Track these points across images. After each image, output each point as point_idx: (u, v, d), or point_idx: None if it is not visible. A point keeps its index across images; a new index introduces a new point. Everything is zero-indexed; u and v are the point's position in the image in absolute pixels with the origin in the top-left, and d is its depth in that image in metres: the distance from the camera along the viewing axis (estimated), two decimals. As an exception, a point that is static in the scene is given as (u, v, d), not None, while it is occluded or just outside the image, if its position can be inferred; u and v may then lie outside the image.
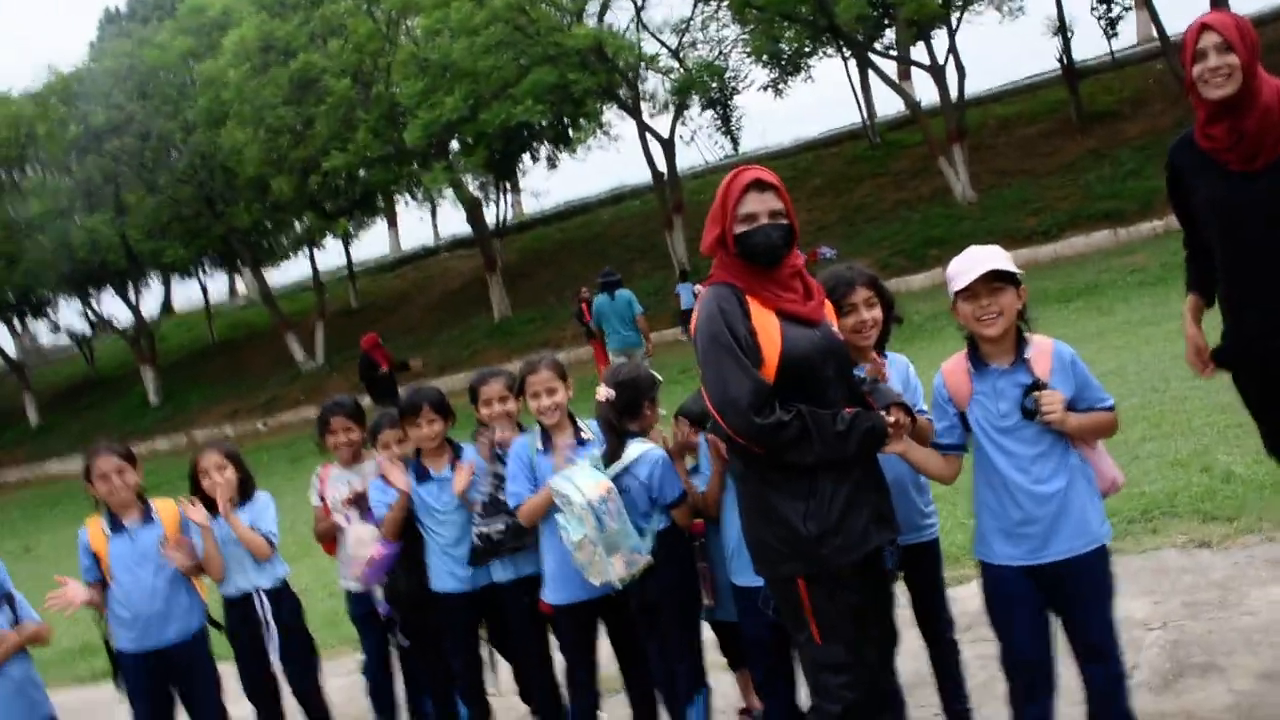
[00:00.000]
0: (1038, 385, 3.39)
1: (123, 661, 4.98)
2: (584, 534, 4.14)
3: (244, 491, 5.15)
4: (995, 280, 3.39)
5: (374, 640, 5.32)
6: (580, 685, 4.58)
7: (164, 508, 5.08)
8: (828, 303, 3.57)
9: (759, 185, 3.38)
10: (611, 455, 4.27)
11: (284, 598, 5.20)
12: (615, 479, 4.19)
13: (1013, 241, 20.04)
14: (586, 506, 4.10)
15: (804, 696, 4.18)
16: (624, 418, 4.29)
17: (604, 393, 4.28)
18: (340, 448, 5.31)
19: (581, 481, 4.17)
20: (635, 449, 4.23)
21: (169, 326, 36.65)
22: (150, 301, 34.31)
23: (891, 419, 3.35)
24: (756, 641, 4.16)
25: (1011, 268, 3.40)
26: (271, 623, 5.08)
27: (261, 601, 5.09)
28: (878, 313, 3.86)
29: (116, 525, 4.95)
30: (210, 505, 5.03)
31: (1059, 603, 3.47)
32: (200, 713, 5.02)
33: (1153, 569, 4.67)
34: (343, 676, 5.46)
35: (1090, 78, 26.06)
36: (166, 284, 37.48)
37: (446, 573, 4.87)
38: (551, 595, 4.51)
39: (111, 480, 4.90)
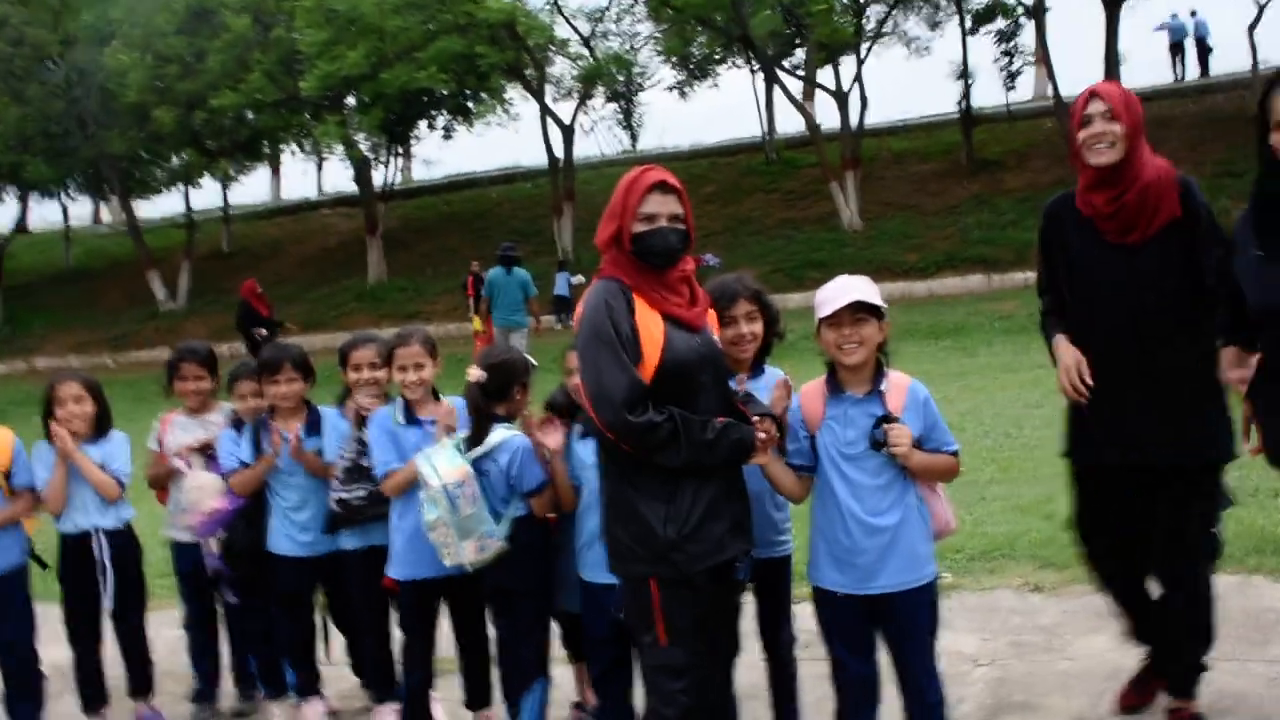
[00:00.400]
0: (888, 418, 3.48)
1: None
2: (438, 515, 4.13)
3: (99, 427, 4.96)
4: (859, 311, 3.49)
5: (198, 596, 5.20)
6: (416, 661, 4.55)
7: (-2, 435, 4.87)
8: (711, 311, 3.61)
9: (662, 187, 3.40)
10: (475, 439, 4.25)
11: (125, 542, 5.03)
12: (476, 463, 4.18)
13: (891, 274, 20.59)
14: (441, 490, 4.10)
15: (639, 697, 4.24)
16: (492, 401, 4.27)
17: (475, 374, 4.25)
18: (189, 394, 5.18)
19: (440, 463, 4.16)
20: (498, 435, 4.22)
21: (20, 245, 34.89)
22: (2, 216, 32.71)
23: (760, 433, 3.41)
24: (598, 638, 4.18)
25: (876, 300, 3.50)
26: (109, 566, 4.92)
27: (100, 543, 4.91)
28: (758, 327, 3.92)
29: (-62, 445, 4.72)
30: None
31: (884, 631, 3.61)
32: (9, 652, 4.82)
33: (986, 607, 4.85)
34: (167, 628, 5.30)
35: (984, 125, 26.91)
36: (24, 201, 35.72)
37: (285, 536, 4.80)
38: (397, 570, 4.47)
39: None
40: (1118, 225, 3.78)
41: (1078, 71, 47.06)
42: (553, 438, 4.15)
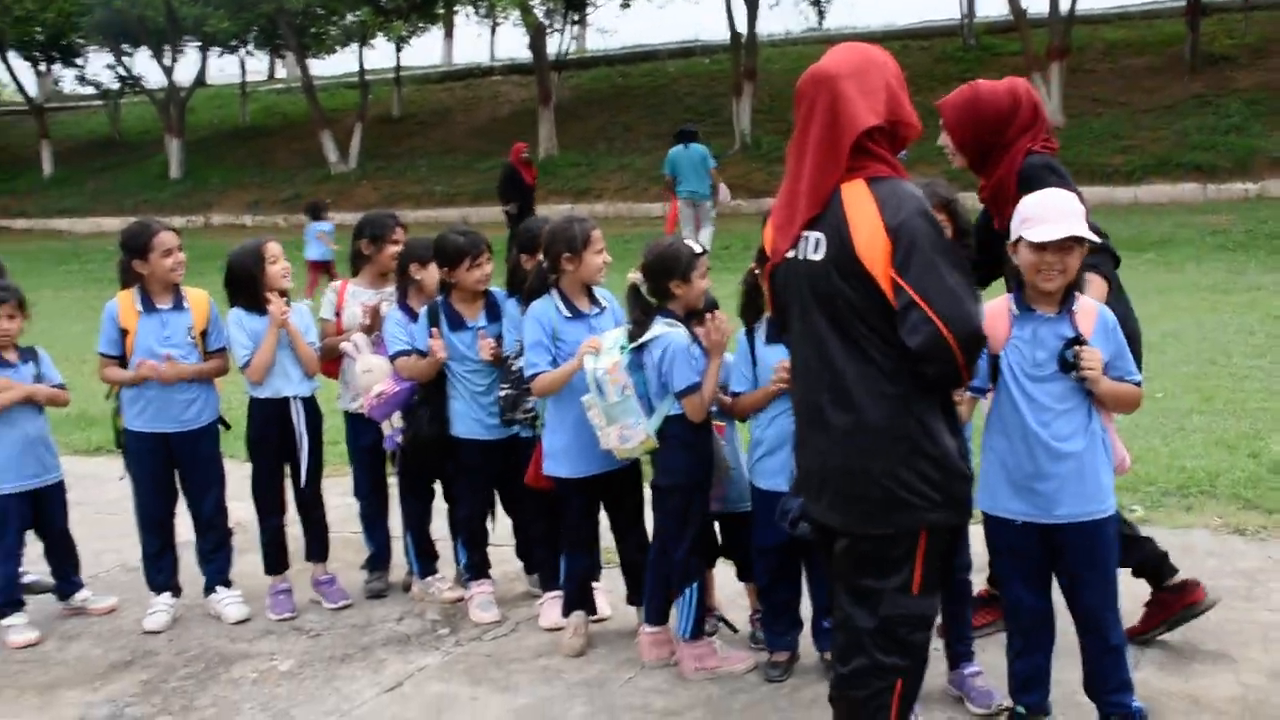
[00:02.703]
0: (1079, 340, 3.43)
1: (130, 440, 5.15)
2: (590, 396, 4.36)
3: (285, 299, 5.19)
4: (1070, 239, 3.39)
5: (371, 469, 5.46)
6: (580, 551, 4.75)
7: (195, 296, 5.17)
8: None
9: None
10: (634, 332, 4.36)
11: (313, 409, 5.31)
12: (635, 355, 4.32)
13: (1093, 177, 19.67)
14: (592, 374, 4.31)
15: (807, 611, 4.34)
16: (653, 296, 4.36)
17: (632, 275, 4.41)
18: (386, 260, 5.32)
19: (602, 350, 4.35)
20: (656, 329, 4.30)
21: (200, 99, 36.22)
22: (184, 69, 33.93)
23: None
24: (767, 546, 4.28)
25: (1090, 234, 3.41)
26: (305, 433, 5.21)
27: (299, 410, 5.20)
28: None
29: (149, 304, 5.04)
30: (256, 297, 5.09)
31: (1060, 565, 3.57)
32: (200, 502, 5.21)
33: (1180, 546, 4.72)
34: (337, 496, 5.61)
35: (1215, 15, 25.17)
36: (203, 54, 37.01)
37: (474, 420, 4.97)
38: (558, 467, 4.63)
39: (175, 255, 5.01)
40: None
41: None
42: (713, 334, 4.22)
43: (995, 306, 3.55)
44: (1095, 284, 3.80)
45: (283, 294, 5.15)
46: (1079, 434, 3.45)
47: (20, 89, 36.10)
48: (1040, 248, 3.40)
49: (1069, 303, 3.49)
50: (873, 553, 3.07)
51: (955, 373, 2.97)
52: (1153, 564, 4.33)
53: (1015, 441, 3.50)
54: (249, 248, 5.16)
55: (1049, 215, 3.41)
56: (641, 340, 4.32)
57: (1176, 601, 4.33)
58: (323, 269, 16.36)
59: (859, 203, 2.95)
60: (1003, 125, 4.03)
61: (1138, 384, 3.54)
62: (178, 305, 5.10)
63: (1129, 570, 4.28)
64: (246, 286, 5.10)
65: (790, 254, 3.12)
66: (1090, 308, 3.52)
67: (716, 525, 4.65)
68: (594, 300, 4.70)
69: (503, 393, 4.86)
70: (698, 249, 4.34)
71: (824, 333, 3.04)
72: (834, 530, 3.16)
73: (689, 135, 17.08)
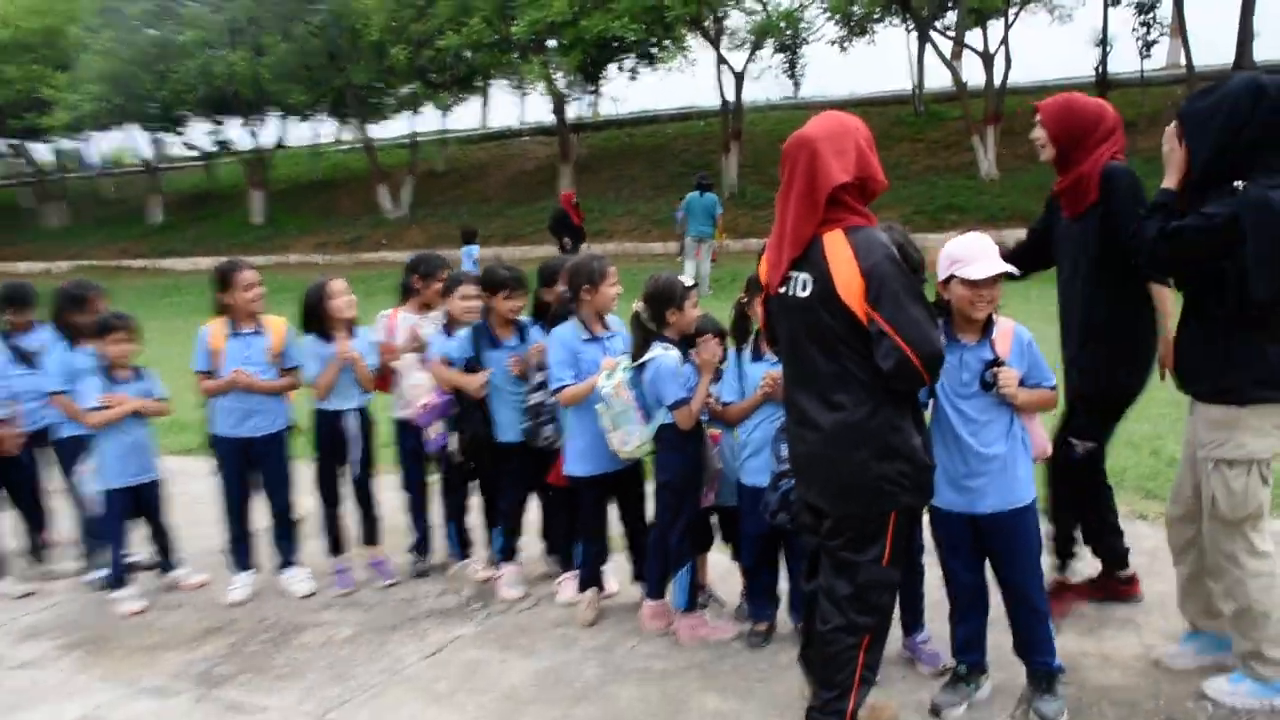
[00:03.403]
0: (998, 362, 3.46)
1: (217, 444, 5.14)
2: (601, 404, 4.38)
3: (350, 325, 5.18)
4: (996, 274, 3.40)
5: (416, 467, 5.42)
6: (593, 538, 4.73)
7: (273, 322, 5.17)
8: None
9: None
10: (635, 354, 4.36)
11: (366, 419, 5.30)
12: (635, 374, 4.32)
13: (1022, 220, 19.54)
14: (601, 390, 4.35)
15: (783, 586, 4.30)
16: (651, 323, 4.34)
17: (637, 305, 4.41)
18: (433, 295, 5.28)
19: (612, 374, 4.37)
20: (652, 352, 4.28)
21: (280, 158, 36.23)
22: (268, 134, 33.95)
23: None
24: (752, 534, 4.26)
25: (1009, 268, 3.43)
26: (358, 436, 5.19)
27: (349, 419, 5.18)
28: None
29: (235, 329, 5.03)
30: (323, 327, 5.08)
31: (990, 548, 3.58)
32: (275, 494, 5.21)
33: (1132, 534, 4.70)
34: (388, 491, 5.58)
35: (1118, 90, 25.13)
36: (284, 121, 37.05)
37: (513, 426, 4.92)
38: (577, 468, 4.60)
39: (255, 289, 5.00)
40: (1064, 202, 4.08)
41: (1212, 41, 43.54)
42: (706, 352, 4.23)
43: None
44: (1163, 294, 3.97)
45: (352, 323, 5.12)
46: (1000, 439, 3.48)
47: (137, 154, 36.16)
48: (974, 284, 3.39)
49: (989, 330, 3.50)
50: (853, 531, 3.13)
51: (919, 386, 3.05)
52: (1115, 555, 4.39)
53: (950, 447, 3.51)
54: (316, 285, 5.15)
55: (977, 256, 3.41)
56: (640, 361, 4.30)
57: (1118, 589, 4.38)
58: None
59: (838, 250, 3.03)
60: (1089, 129, 4.00)
61: (1052, 388, 3.56)
62: (258, 330, 5.09)
63: (1090, 549, 4.36)
64: (316, 317, 5.09)
65: (781, 290, 3.19)
66: (1007, 330, 3.53)
67: (716, 517, 4.62)
68: (606, 325, 4.67)
69: (524, 426, 4.82)
70: (689, 282, 4.32)
71: (812, 353, 3.13)
72: (821, 511, 3.21)
73: (705, 185, 17.50)
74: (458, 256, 19.38)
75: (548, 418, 4.79)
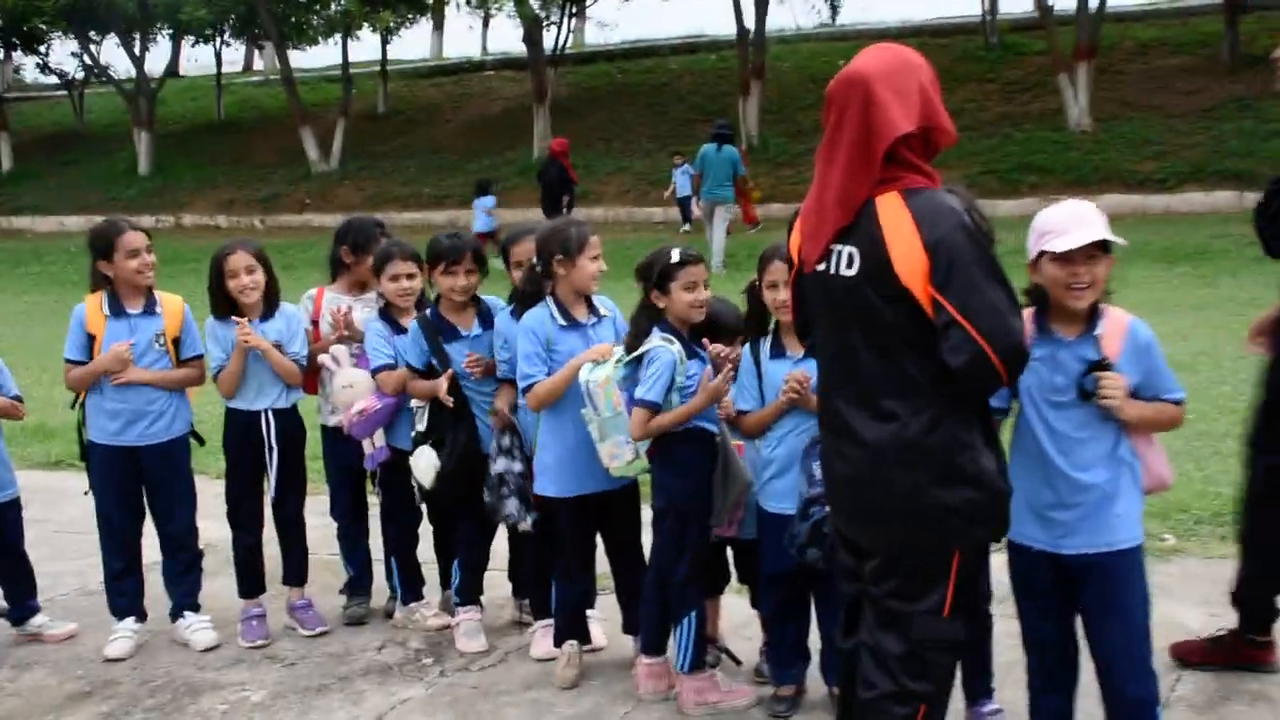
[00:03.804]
0: (1102, 365, 3.39)
1: (94, 454, 5.17)
2: (586, 409, 4.40)
3: (269, 302, 5.21)
4: (1095, 249, 3.35)
5: (350, 486, 5.47)
6: (572, 576, 4.76)
7: (169, 301, 5.20)
8: None
9: None
10: (630, 344, 4.40)
11: (293, 424, 5.33)
12: (629, 370, 4.35)
13: (1123, 185, 19.79)
14: (585, 385, 4.37)
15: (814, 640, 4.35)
16: (648, 308, 4.38)
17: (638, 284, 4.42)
18: (366, 271, 5.32)
19: (599, 366, 4.40)
20: (650, 343, 4.32)
21: (172, 91, 36.30)
22: (155, 59, 34.04)
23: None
24: (774, 573, 4.31)
25: (1114, 237, 3.36)
26: (275, 447, 5.23)
27: (269, 422, 5.22)
28: None
29: (117, 309, 5.06)
30: (231, 307, 5.12)
31: (1081, 601, 3.54)
32: (169, 520, 5.21)
33: (1213, 578, 4.74)
34: (316, 516, 5.61)
35: (1255, 12, 25.25)
36: (176, 43, 37.09)
37: (488, 432, 4.95)
38: (550, 487, 4.64)
39: (144, 257, 5.02)
40: None
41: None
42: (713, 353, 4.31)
43: None
44: None
45: (271, 300, 5.17)
46: (1101, 463, 3.43)
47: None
48: (1067, 260, 3.36)
49: (1094, 323, 3.44)
50: (905, 573, 3.13)
51: (998, 390, 3.08)
52: (1267, 614, 4.38)
53: (1033, 467, 3.49)
54: (216, 256, 5.20)
55: (1070, 226, 3.36)
56: (636, 354, 4.34)
57: (1250, 654, 4.38)
58: (489, 239, 18.34)
59: (894, 217, 3.01)
60: None
61: (1178, 402, 3.49)
62: (149, 310, 5.11)
63: (1234, 596, 4.36)
64: (220, 292, 5.15)
65: (820, 267, 3.18)
66: (1120, 323, 3.46)
67: (730, 552, 4.68)
68: (593, 309, 4.72)
69: (487, 498, 4.85)
70: (675, 257, 4.31)
71: (857, 346, 3.12)
72: (863, 549, 3.23)
73: (724, 136, 17.90)
74: (408, 221, 19.53)
75: (513, 489, 4.81)
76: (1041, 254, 3.42)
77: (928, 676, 3.16)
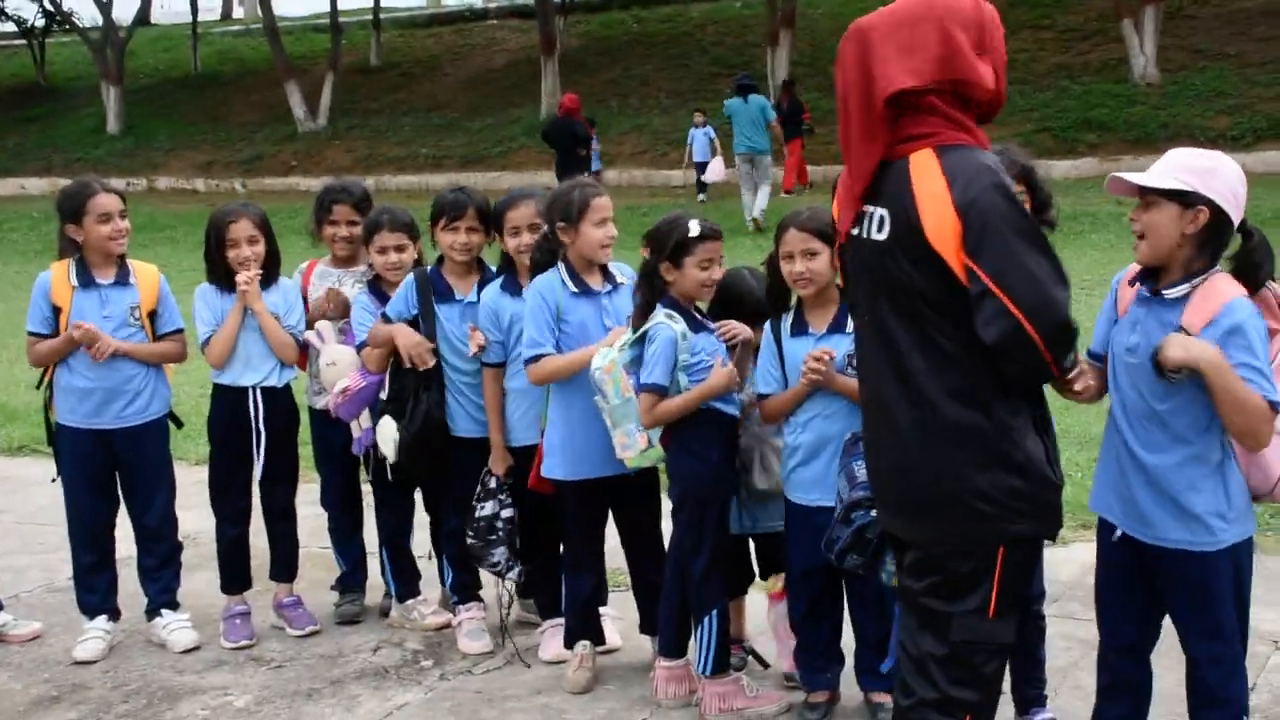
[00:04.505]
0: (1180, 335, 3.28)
1: (62, 438, 5.20)
2: (599, 398, 4.40)
3: (268, 273, 5.23)
4: (1148, 193, 3.31)
5: (341, 473, 5.49)
6: (582, 568, 4.79)
7: (143, 271, 5.22)
8: None
9: None
10: (635, 320, 4.41)
11: (285, 404, 5.35)
12: (634, 349, 4.35)
13: (1193, 143, 19.57)
14: (591, 374, 4.38)
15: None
16: (658, 278, 4.37)
17: (644, 249, 4.41)
18: (338, 241, 5.38)
19: (605, 348, 4.41)
20: (655, 318, 4.33)
21: (142, 40, 36.43)
22: (124, 5, 34.00)
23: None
24: (803, 570, 4.31)
25: (1172, 183, 3.26)
26: (264, 429, 5.24)
27: (256, 401, 5.23)
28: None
29: (86, 278, 5.08)
30: (228, 275, 5.15)
31: (1164, 597, 3.49)
32: (145, 510, 5.22)
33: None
34: (307, 505, 5.65)
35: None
36: (149, -14, 37.15)
37: (464, 415, 4.99)
38: (557, 469, 4.66)
39: (116, 221, 5.04)
40: None
41: None
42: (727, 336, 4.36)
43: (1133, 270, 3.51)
44: None
45: (269, 275, 5.20)
46: (1174, 445, 3.32)
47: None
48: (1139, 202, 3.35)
49: (1183, 285, 3.31)
50: (945, 569, 3.11)
51: (1040, 369, 2.99)
52: None
53: (1109, 436, 3.48)
54: (215, 218, 5.21)
55: (1146, 169, 3.35)
56: (640, 332, 4.34)
57: None
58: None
59: (926, 176, 2.96)
60: None
61: (1273, 404, 3.20)
62: (122, 280, 5.13)
63: None
64: (217, 257, 5.17)
65: (854, 231, 3.16)
66: (1217, 296, 3.29)
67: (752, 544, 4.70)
68: (609, 276, 4.72)
69: (469, 541, 4.88)
70: (695, 230, 4.29)
71: (890, 320, 3.07)
72: (903, 542, 3.23)
73: (748, 87, 18.29)
74: (403, 185, 19.61)
75: (503, 536, 4.84)
76: None
77: (972, 683, 3.13)
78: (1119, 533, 3.46)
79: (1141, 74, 22.79)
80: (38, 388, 5.31)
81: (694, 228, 4.28)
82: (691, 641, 4.52)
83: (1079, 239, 14.58)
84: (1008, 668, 4.00)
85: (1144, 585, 3.50)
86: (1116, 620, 3.58)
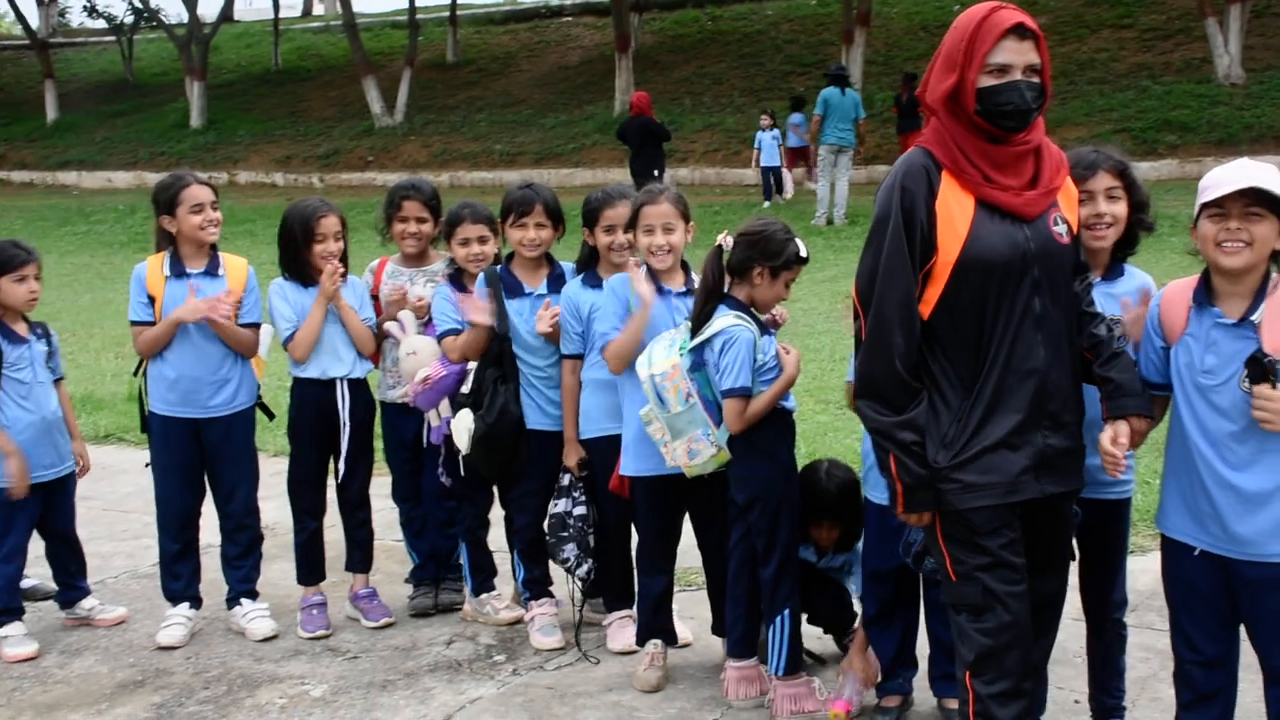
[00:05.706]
0: (1267, 367, 3.19)
1: (155, 426, 5.27)
2: (649, 408, 4.40)
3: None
4: (1254, 204, 3.24)
5: (414, 467, 5.52)
6: (654, 566, 4.79)
7: (233, 263, 5.30)
8: (1071, 189, 3.54)
9: (1020, 30, 3.30)
10: (696, 322, 4.37)
11: (365, 396, 5.40)
12: (696, 352, 4.33)
13: (1277, 143, 19.31)
14: (649, 381, 4.36)
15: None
16: (727, 277, 4.36)
17: (724, 238, 4.37)
18: (407, 238, 5.41)
19: (656, 352, 4.39)
20: (721, 321, 4.30)
21: (226, 37, 36.90)
22: (209, 3, 34.51)
23: None
24: (874, 570, 4.32)
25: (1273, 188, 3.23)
26: (349, 421, 5.30)
27: (344, 394, 5.29)
28: (1120, 209, 3.79)
29: (179, 269, 5.18)
30: (309, 271, 5.22)
31: (1248, 616, 3.43)
32: (229, 499, 5.31)
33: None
34: (378, 499, 5.68)
35: None
36: (232, -15, 37.60)
37: (535, 408, 5.02)
38: (629, 465, 4.68)
39: (208, 212, 5.13)
40: None
41: None
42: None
43: (1178, 288, 3.45)
44: None
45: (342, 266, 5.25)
46: (1264, 465, 3.27)
47: (21, 20, 36.86)
48: (1219, 212, 3.27)
49: (1258, 301, 3.28)
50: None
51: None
52: None
53: (1186, 459, 3.40)
54: (301, 212, 5.25)
55: (1225, 179, 3.27)
56: (704, 336, 4.31)
57: None
58: (800, 156, 21.52)
59: None
60: None
61: None
62: (211, 271, 5.20)
63: None
64: (294, 253, 5.23)
65: None
66: None
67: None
68: (688, 276, 4.71)
69: (547, 537, 4.95)
70: (804, 252, 4.30)
71: None
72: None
73: (841, 79, 18.77)
74: (477, 180, 19.68)
75: (574, 533, 4.87)
76: (1200, 215, 3.34)
77: (962, 641, 3.46)
78: (1198, 550, 3.40)
79: (1225, 74, 22.38)
80: (135, 374, 5.40)
81: (803, 249, 4.31)
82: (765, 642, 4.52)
83: (1157, 241, 14.10)
84: (1090, 677, 3.98)
85: (1223, 599, 3.43)
86: (1200, 637, 3.50)
